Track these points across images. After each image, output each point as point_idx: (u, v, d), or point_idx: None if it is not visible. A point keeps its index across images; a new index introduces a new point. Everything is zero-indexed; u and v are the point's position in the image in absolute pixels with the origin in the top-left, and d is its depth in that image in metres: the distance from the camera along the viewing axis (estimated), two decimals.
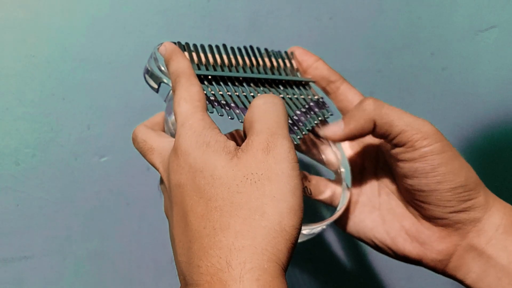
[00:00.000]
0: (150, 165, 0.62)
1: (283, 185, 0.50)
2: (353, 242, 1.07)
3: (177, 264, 0.54)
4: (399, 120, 0.63)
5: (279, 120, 0.54)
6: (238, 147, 0.53)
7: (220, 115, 0.61)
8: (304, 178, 0.72)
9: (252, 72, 0.69)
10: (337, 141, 0.68)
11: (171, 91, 0.63)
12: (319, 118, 0.70)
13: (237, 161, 0.51)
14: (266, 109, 0.55)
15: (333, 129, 0.66)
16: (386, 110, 0.64)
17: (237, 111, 0.62)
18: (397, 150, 0.65)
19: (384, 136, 0.65)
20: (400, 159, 0.65)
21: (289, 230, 0.50)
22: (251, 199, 0.50)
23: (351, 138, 0.67)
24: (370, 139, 0.72)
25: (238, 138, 0.71)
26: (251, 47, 0.71)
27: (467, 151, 1.09)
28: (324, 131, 0.68)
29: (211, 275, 0.48)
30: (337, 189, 0.72)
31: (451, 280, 0.68)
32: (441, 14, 1.05)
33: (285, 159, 0.51)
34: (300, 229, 0.51)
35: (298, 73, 0.73)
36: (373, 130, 0.65)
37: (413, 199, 0.67)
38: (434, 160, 0.62)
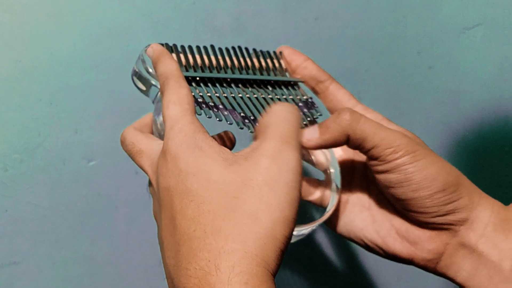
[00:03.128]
0: (138, 168, 0.62)
1: (282, 195, 0.51)
2: (342, 243, 1.07)
3: (165, 267, 0.54)
4: (373, 136, 0.63)
5: (293, 129, 0.55)
6: (236, 153, 0.54)
7: (208, 117, 0.61)
8: None
9: (241, 73, 0.69)
10: (310, 148, 0.68)
11: (159, 93, 0.63)
12: (308, 119, 0.70)
13: (237, 167, 0.52)
14: (283, 116, 0.56)
15: (308, 136, 0.66)
16: (362, 125, 0.63)
17: (226, 112, 0.62)
18: (371, 162, 0.65)
19: (358, 148, 0.65)
20: (375, 170, 0.65)
21: (280, 239, 0.50)
22: (246, 203, 0.50)
23: (325, 147, 0.66)
24: None
25: (227, 139, 0.71)
26: (239, 47, 0.71)
27: (454, 149, 1.10)
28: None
29: (199, 278, 0.48)
30: (327, 189, 0.72)
31: (440, 279, 0.68)
32: (426, 12, 1.05)
33: (290, 170, 0.52)
34: (290, 239, 0.51)
35: (287, 73, 0.73)
36: (348, 142, 0.65)
37: (397, 206, 0.67)
38: (407, 169, 0.62)
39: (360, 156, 0.72)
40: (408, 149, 0.62)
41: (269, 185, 0.51)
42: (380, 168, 0.64)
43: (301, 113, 0.70)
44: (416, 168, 0.62)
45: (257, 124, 0.61)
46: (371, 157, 0.64)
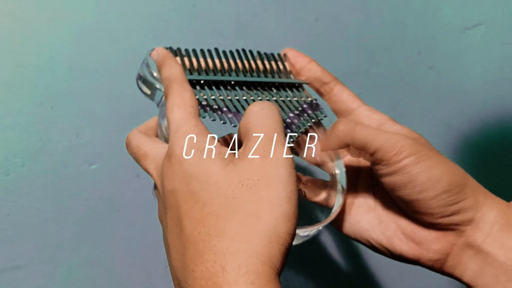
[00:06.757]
0: (139, 171, 0.62)
1: (279, 191, 0.51)
2: (346, 243, 1.07)
3: (171, 269, 0.54)
4: (373, 141, 0.63)
5: (276, 126, 0.55)
6: (233, 152, 0.54)
7: (213, 120, 0.61)
8: (298, 180, 0.72)
9: (245, 75, 0.69)
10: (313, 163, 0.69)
11: (164, 96, 0.63)
12: (313, 120, 0.70)
13: (232, 167, 0.52)
14: (262, 115, 0.56)
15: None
16: (358, 133, 0.64)
17: (230, 115, 0.63)
18: (375, 167, 0.65)
19: (361, 153, 0.66)
20: (380, 174, 0.65)
21: (283, 236, 0.50)
22: (247, 204, 0.50)
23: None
24: None
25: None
26: (243, 50, 0.71)
27: (456, 148, 1.10)
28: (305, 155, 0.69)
29: (205, 280, 0.48)
30: (332, 190, 0.72)
31: (444, 278, 0.68)
32: (426, 12, 1.05)
33: (282, 165, 0.52)
34: (294, 235, 0.52)
35: (291, 75, 0.73)
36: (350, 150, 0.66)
37: (403, 208, 0.67)
38: (411, 171, 0.62)
39: (365, 157, 0.73)
40: (411, 151, 0.62)
41: (266, 183, 0.51)
42: (384, 171, 0.64)
43: (306, 114, 0.70)
44: (420, 169, 0.62)
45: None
46: (375, 161, 0.64)
